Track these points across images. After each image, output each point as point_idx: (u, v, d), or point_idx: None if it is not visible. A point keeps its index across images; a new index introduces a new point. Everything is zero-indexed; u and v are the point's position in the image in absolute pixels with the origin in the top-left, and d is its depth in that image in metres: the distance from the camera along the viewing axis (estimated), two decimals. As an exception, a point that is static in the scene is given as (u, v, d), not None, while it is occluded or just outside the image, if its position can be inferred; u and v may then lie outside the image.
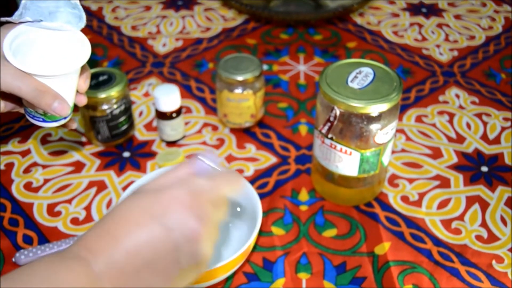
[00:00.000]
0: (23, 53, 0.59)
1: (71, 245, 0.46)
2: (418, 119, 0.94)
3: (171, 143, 0.90)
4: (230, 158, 0.87)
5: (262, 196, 0.80)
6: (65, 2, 0.60)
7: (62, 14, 0.60)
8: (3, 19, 0.60)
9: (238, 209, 0.74)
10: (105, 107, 0.83)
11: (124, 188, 0.81)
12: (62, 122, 0.64)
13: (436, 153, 0.88)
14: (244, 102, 0.87)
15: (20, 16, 0.60)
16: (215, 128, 0.93)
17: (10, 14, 0.60)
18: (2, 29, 0.60)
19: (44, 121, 0.63)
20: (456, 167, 0.85)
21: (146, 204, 0.46)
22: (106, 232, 0.45)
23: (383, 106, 0.67)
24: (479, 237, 0.75)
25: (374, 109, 0.67)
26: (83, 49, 0.61)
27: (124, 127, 0.87)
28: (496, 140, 0.90)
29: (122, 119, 0.86)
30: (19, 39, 0.59)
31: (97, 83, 0.84)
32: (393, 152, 0.88)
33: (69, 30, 0.61)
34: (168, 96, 0.85)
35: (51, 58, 0.60)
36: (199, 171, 0.50)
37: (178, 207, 0.46)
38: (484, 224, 0.77)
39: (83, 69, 0.63)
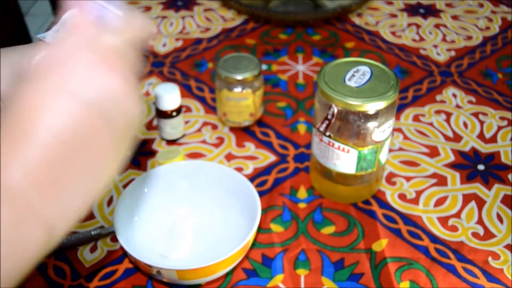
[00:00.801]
0: None
1: None
2: (416, 118, 0.95)
3: (171, 142, 0.91)
4: (229, 157, 0.88)
5: (261, 193, 0.81)
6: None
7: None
8: (40, 36, 0.61)
9: (239, 207, 0.75)
10: (106, 106, 0.84)
11: (125, 186, 0.82)
12: None
13: (433, 152, 0.89)
14: (243, 101, 0.88)
15: (56, 32, 0.60)
16: (214, 127, 0.94)
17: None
18: (34, 45, 0.61)
19: None
20: (453, 166, 0.86)
21: (48, 81, 0.39)
22: (10, 132, 0.37)
23: (380, 104, 0.68)
24: (475, 234, 0.76)
25: (371, 107, 0.68)
26: None
27: (125, 126, 0.88)
28: (493, 139, 0.91)
29: (122, 117, 0.87)
30: None
31: (98, 82, 0.84)
32: (390, 150, 0.89)
33: None
34: (168, 95, 0.86)
35: None
36: (99, 21, 0.42)
37: (86, 70, 0.39)
38: (480, 222, 0.78)
39: None
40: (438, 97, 1.00)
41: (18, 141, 0.37)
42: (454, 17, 1.23)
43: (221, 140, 0.91)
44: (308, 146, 0.89)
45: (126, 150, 0.42)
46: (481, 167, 0.86)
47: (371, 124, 0.70)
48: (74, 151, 0.38)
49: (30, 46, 0.58)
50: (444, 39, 1.15)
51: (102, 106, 0.39)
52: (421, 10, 1.25)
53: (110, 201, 0.81)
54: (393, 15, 1.23)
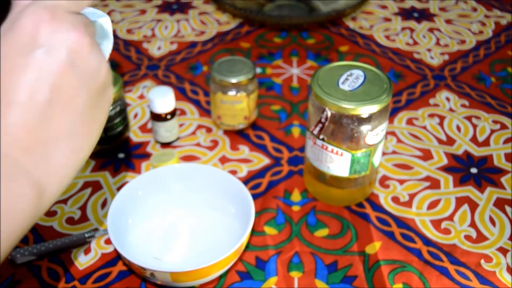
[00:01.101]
0: None
1: None
2: (409, 121, 0.96)
3: (165, 145, 0.91)
4: (223, 160, 0.88)
5: (255, 196, 0.81)
6: (97, 27, 0.62)
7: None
8: None
9: (233, 210, 0.75)
10: (100, 108, 0.84)
11: (119, 189, 0.82)
12: None
13: (426, 155, 0.89)
14: (237, 104, 0.88)
15: None
16: (209, 130, 0.94)
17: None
18: None
19: None
20: (446, 169, 0.87)
21: (9, 44, 0.39)
22: None
23: (373, 108, 0.68)
24: (468, 237, 0.77)
25: (365, 110, 0.68)
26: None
27: (119, 129, 0.88)
28: (486, 143, 0.92)
29: (117, 120, 0.87)
30: None
31: (93, 85, 0.85)
32: (384, 154, 0.89)
33: None
34: (163, 98, 0.86)
35: None
36: None
37: (43, 26, 0.39)
38: (473, 224, 0.78)
39: None
40: (431, 101, 1.00)
41: None
42: (448, 21, 1.24)
43: (215, 143, 0.91)
44: (302, 149, 0.90)
45: (104, 111, 0.44)
46: (474, 170, 0.87)
47: (364, 128, 0.70)
48: (52, 106, 0.39)
49: None
50: (437, 43, 1.16)
51: (69, 59, 0.40)
52: (415, 14, 1.26)
53: (104, 204, 0.81)
54: (387, 19, 1.24)
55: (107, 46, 0.63)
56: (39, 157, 0.39)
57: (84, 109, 0.42)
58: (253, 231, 0.76)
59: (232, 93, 0.87)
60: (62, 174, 0.42)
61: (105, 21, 0.62)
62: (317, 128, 0.72)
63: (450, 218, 0.79)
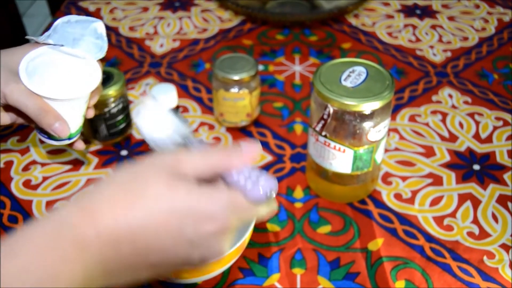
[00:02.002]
0: (39, 73, 0.62)
1: (70, 207, 0.42)
2: (412, 118, 0.96)
3: (168, 142, 0.91)
4: (226, 157, 0.88)
5: (257, 193, 0.81)
6: (91, 31, 0.64)
7: (84, 42, 0.64)
8: (30, 38, 0.63)
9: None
10: (103, 106, 0.85)
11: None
12: (66, 142, 0.67)
13: (429, 152, 0.89)
14: (240, 101, 0.88)
15: (47, 37, 0.63)
16: (211, 127, 0.94)
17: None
18: (27, 45, 0.63)
19: (48, 138, 0.66)
20: (448, 165, 0.87)
21: (180, 203, 0.43)
22: (121, 203, 0.42)
23: (376, 104, 0.68)
24: (470, 234, 0.77)
25: (367, 107, 0.68)
26: (93, 78, 0.64)
27: (122, 126, 0.89)
28: (488, 139, 0.92)
29: (120, 118, 0.87)
30: (38, 60, 0.63)
31: (95, 82, 0.85)
32: (386, 150, 0.89)
33: (85, 58, 0.64)
34: (165, 95, 0.86)
35: (62, 82, 0.63)
36: (234, 184, 0.48)
37: (211, 232, 0.44)
38: (475, 221, 0.78)
39: (93, 94, 0.66)
40: (434, 98, 1.00)
41: (122, 208, 0.42)
42: (450, 18, 1.23)
43: (218, 140, 0.91)
44: (305, 146, 0.90)
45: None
46: (476, 167, 0.87)
47: (366, 124, 0.70)
48: (145, 246, 0.43)
49: (22, 47, 0.60)
50: (440, 40, 1.16)
51: (198, 248, 0.45)
52: (418, 11, 1.26)
53: (107, 201, 0.81)
54: (390, 16, 1.24)
55: (103, 47, 0.64)
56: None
57: (159, 270, 0.47)
58: (256, 228, 0.77)
59: (234, 90, 0.88)
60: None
61: (99, 25, 0.64)
62: (320, 125, 0.72)
63: (453, 214, 0.79)
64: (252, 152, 0.48)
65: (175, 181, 0.44)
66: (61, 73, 0.64)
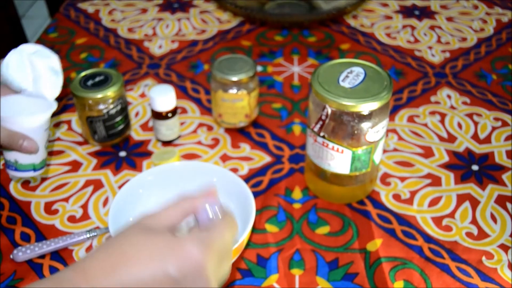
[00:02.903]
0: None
1: (67, 269, 0.46)
2: (410, 119, 0.96)
3: (166, 143, 0.91)
4: (224, 158, 0.88)
5: (256, 194, 0.81)
6: (48, 68, 0.71)
7: (42, 83, 0.71)
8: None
9: (234, 207, 0.75)
10: (101, 107, 0.85)
11: (120, 187, 0.82)
12: (31, 174, 0.73)
13: (427, 152, 0.89)
14: (238, 102, 0.89)
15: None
16: (210, 128, 0.94)
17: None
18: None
19: (16, 170, 0.72)
20: (447, 166, 0.87)
21: (157, 248, 0.46)
22: (109, 262, 0.46)
23: (374, 105, 0.68)
24: (469, 234, 0.77)
25: (365, 107, 0.68)
26: (48, 111, 0.71)
27: (121, 127, 0.89)
28: (487, 140, 0.92)
29: (118, 119, 0.87)
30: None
31: (94, 84, 0.85)
32: (385, 151, 0.89)
33: (43, 98, 0.71)
34: (164, 96, 0.86)
35: (21, 112, 0.70)
36: (203, 221, 0.52)
37: (192, 266, 0.46)
38: (474, 221, 0.78)
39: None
40: (432, 98, 1.00)
41: (109, 271, 0.45)
42: (449, 19, 1.23)
43: (216, 141, 0.91)
44: (303, 147, 0.90)
45: None
46: (475, 167, 0.87)
47: (365, 125, 0.70)
48: None
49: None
50: (438, 41, 1.16)
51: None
52: (416, 12, 1.26)
53: (105, 202, 0.81)
54: (388, 17, 1.24)
55: (58, 81, 0.71)
56: None
57: None
58: (254, 229, 0.77)
59: (233, 91, 0.88)
60: None
61: (54, 61, 0.71)
62: (318, 126, 0.72)
63: (451, 215, 0.79)
64: (210, 189, 0.53)
65: (150, 233, 0.48)
66: (18, 108, 0.70)
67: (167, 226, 0.50)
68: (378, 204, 0.81)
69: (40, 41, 1.15)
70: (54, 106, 0.72)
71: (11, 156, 0.72)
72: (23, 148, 0.69)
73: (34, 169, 0.73)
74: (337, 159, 0.74)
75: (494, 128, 0.94)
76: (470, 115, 0.97)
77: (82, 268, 0.46)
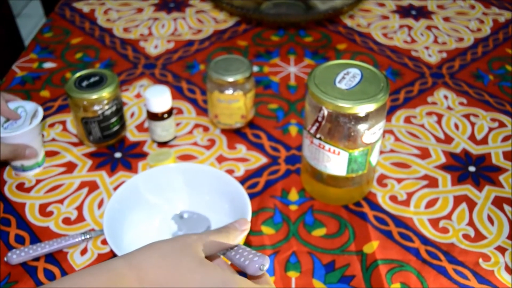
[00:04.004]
0: None
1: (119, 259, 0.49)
2: (407, 120, 0.95)
3: (162, 144, 0.90)
4: (220, 159, 0.88)
5: (252, 196, 0.81)
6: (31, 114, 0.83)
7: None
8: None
9: (229, 209, 0.75)
10: (96, 108, 0.84)
11: (115, 188, 0.82)
12: (37, 170, 0.85)
13: (424, 153, 0.89)
14: (234, 103, 0.88)
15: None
16: (206, 129, 0.94)
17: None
18: None
19: (23, 171, 0.84)
20: (444, 167, 0.87)
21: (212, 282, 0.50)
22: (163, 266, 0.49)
23: (370, 106, 0.68)
24: (466, 236, 0.76)
25: (362, 109, 0.68)
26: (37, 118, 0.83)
27: (116, 128, 0.88)
28: (484, 141, 0.91)
29: (113, 120, 0.87)
30: None
31: (89, 84, 0.84)
32: (381, 152, 0.89)
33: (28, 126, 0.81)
34: (159, 97, 0.85)
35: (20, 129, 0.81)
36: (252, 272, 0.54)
37: None
38: (471, 223, 0.78)
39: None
40: (429, 99, 1.00)
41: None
42: (446, 19, 1.23)
43: (212, 142, 0.91)
44: (300, 148, 0.89)
45: None
46: (472, 168, 0.86)
47: (361, 126, 0.70)
48: None
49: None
50: (435, 41, 1.16)
51: None
52: (413, 12, 1.25)
53: (100, 204, 0.81)
54: (385, 17, 1.24)
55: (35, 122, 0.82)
56: None
57: None
58: (250, 231, 0.76)
59: (229, 91, 0.87)
60: None
61: (39, 110, 0.83)
62: (314, 127, 0.72)
63: (448, 217, 0.79)
64: (244, 227, 0.56)
65: (204, 262, 0.51)
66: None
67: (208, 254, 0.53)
68: (374, 206, 0.80)
69: (35, 40, 1.15)
70: (41, 112, 0.83)
71: (17, 162, 0.83)
72: (27, 156, 0.82)
73: (39, 166, 0.85)
74: (334, 161, 0.74)
75: (491, 129, 0.94)
76: (467, 116, 0.96)
77: (136, 266, 0.48)
